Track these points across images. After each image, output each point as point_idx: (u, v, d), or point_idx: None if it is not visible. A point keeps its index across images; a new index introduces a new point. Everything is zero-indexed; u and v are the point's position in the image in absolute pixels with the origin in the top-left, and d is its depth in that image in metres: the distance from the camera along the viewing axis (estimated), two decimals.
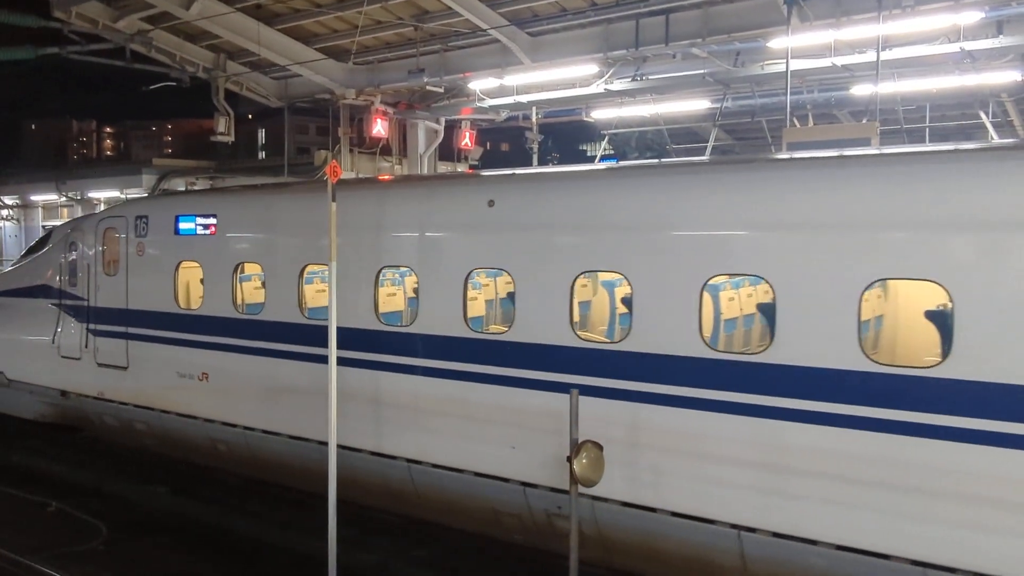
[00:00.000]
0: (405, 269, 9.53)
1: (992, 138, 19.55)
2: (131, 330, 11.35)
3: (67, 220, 19.48)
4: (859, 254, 6.53)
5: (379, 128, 22.57)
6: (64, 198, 28.65)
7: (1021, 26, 15.07)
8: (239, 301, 10.45)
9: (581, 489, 6.82)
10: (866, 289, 6.50)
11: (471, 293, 8.84)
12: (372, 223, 9.29)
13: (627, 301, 7.81)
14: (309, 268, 9.82)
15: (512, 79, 19.69)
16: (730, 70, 17.68)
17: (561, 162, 44.24)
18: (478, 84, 20.58)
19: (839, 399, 6.50)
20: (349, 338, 8.74)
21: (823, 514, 6.58)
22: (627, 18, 17.15)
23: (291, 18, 20.06)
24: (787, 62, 14.64)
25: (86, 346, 11.94)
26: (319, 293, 10.29)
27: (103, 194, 27.51)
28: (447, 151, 25.93)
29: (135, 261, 11.42)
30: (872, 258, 6.50)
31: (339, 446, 7.88)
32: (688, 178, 7.99)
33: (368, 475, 9.17)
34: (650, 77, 18.55)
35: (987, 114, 20.25)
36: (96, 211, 15.61)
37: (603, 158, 30.82)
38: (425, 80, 19.96)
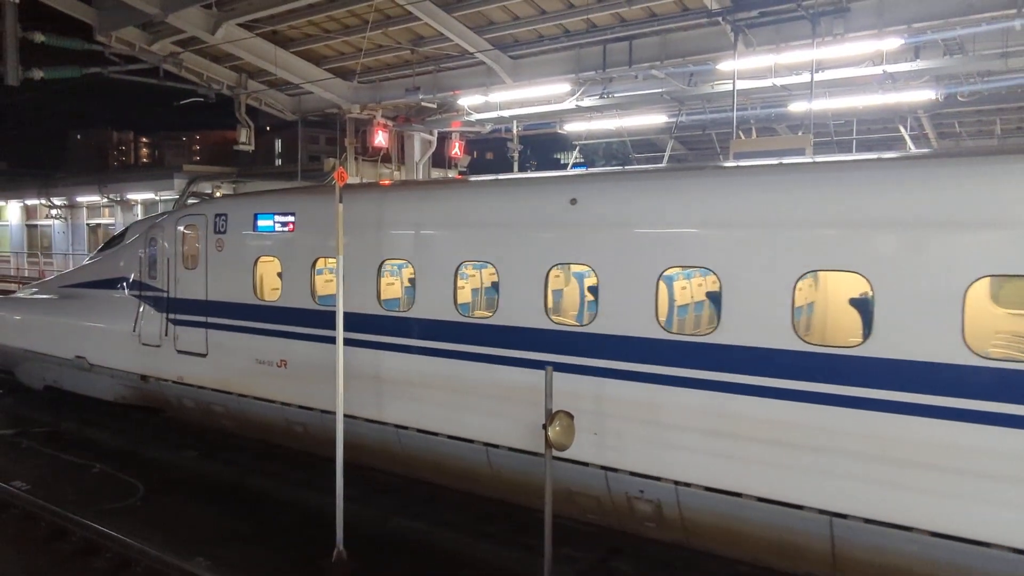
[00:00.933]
0: (483, 263, 8.84)
1: (910, 148, 19.65)
2: (210, 320, 10.83)
3: (143, 218, 18.33)
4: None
5: (380, 139, 22.41)
6: (105, 199, 28.32)
7: (936, 51, 15.11)
8: (317, 293, 9.81)
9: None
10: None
11: (552, 284, 8.13)
12: (453, 221, 8.71)
13: (715, 296, 7.14)
14: (385, 262, 9.29)
15: (496, 96, 19.59)
16: (684, 89, 17.65)
17: (538, 169, 44.12)
18: (466, 100, 20.46)
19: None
20: (431, 329, 8.54)
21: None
22: (596, 43, 17.07)
23: (304, 42, 19.85)
24: (734, 82, 14.64)
25: (166, 334, 11.38)
26: (390, 287, 9.83)
27: (140, 196, 27.24)
28: (440, 159, 25.80)
29: (214, 256, 10.84)
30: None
31: (425, 432, 8.26)
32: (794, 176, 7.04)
33: (477, 467, 8.42)
34: (615, 95, 18.49)
35: (906, 128, 20.32)
36: (161, 211, 14.81)
37: (574, 165, 30.75)
38: (420, 97, 19.82)
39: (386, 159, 23.94)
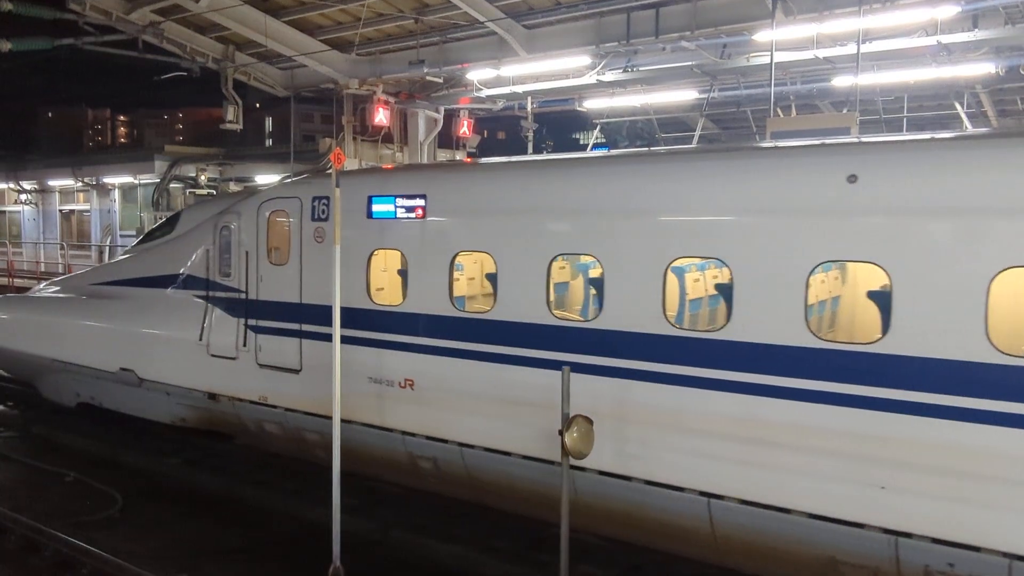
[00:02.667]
0: (707, 261, 7.71)
1: (966, 128, 19.54)
2: (306, 328, 9.62)
3: (200, 201, 17.48)
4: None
5: (381, 117, 22.45)
6: (80, 183, 28.53)
7: (996, 20, 15.00)
8: (457, 296, 8.71)
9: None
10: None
11: (815, 289, 6.85)
12: (663, 207, 7.44)
13: None
14: (563, 259, 8.34)
15: (508, 70, 19.60)
16: (717, 62, 17.61)
17: (555, 151, 44.11)
18: (476, 75, 20.48)
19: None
20: (636, 345, 7.36)
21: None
22: (619, 11, 17.05)
23: (297, 10, 19.92)
24: (771, 54, 14.60)
25: (244, 344, 10.26)
26: (577, 289, 8.96)
27: (117, 179, 27.43)
28: (446, 139, 25.86)
29: (312, 249, 9.60)
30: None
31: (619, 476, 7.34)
32: None
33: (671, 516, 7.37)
34: (640, 68, 18.46)
35: (962, 105, 20.20)
36: (238, 191, 13.74)
37: (595, 146, 30.73)
38: (425, 71, 19.85)
39: (387, 139, 24.02)
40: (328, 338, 8.89)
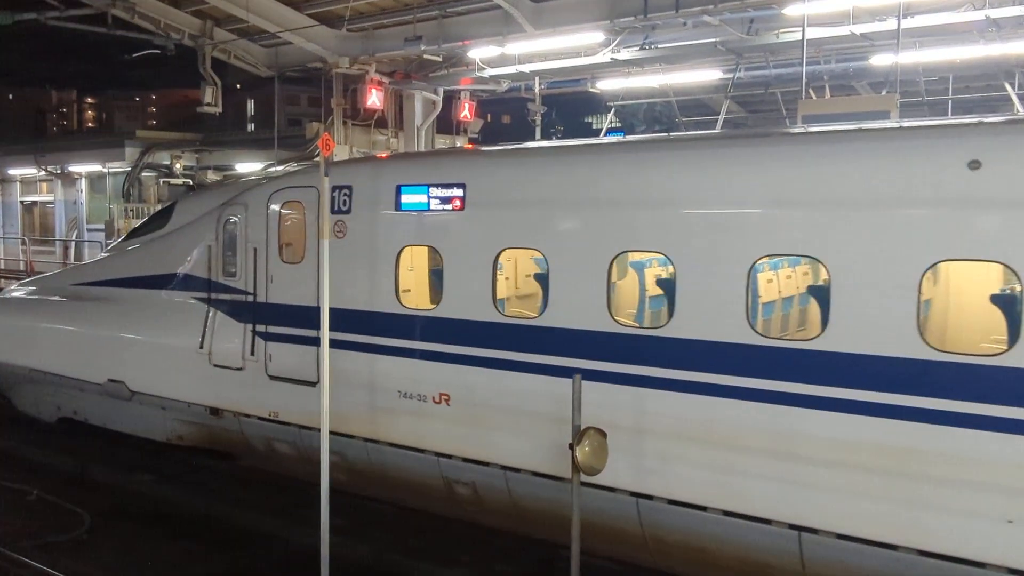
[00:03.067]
0: (797, 259, 7.39)
1: (1018, 110, 19.50)
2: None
3: (197, 191, 16.86)
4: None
5: (374, 99, 22.49)
6: (43, 172, 28.61)
7: None
8: (502, 300, 8.38)
9: None
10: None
11: (929, 293, 6.55)
12: (745, 198, 7.13)
13: None
14: (630, 257, 8.07)
15: (514, 48, 19.61)
16: (743, 39, 17.62)
17: (565, 136, 44.12)
18: (478, 53, 20.50)
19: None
20: (712, 356, 7.06)
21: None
22: None
23: None
24: (803, 30, 14.58)
25: (252, 353, 9.87)
26: (638, 292, 8.55)
27: (84, 167, 27.49)
28: (445, 123, 25.87)
29: (332, 245, 8.93)
30: None
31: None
32: None
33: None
34: (659, 46, 18.49)
35: (1012, 85, 20.16)
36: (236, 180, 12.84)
37: (609, 131, 30.69)
38: (422, 48, 19.87)
39: (381, 123, 24.04)
40: (353, 347, 8.88)
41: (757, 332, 6.92)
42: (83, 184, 28.09)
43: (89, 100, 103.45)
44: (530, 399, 7.88)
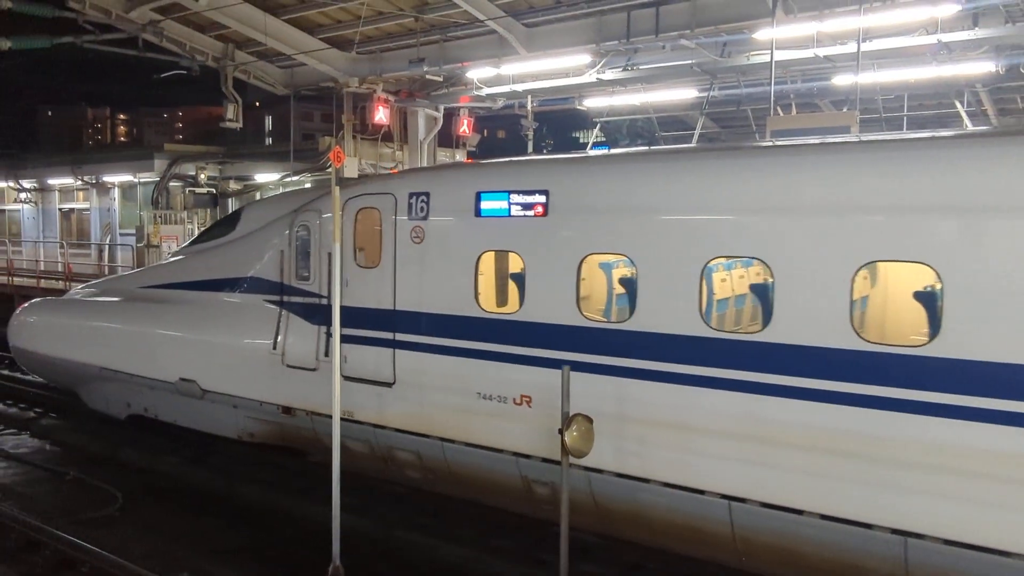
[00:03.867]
0: (908, 265, 6.47)
1: (967, 126, 19.52)
2: (400, 337, 8.85)
3: (265, 198, 15.80)
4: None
5: (381, 115, 22.45)
6: (79, 181, 28.51)
7: (996, 18, 14.98)
8: (588, 304, 7.95)
9: None
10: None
11: None
12: (851, 203, 6.53)
13: None
14: (725, 261, 7.48)
15: (508, 68, 19.59)
16: (717, 60, 17.60)
17: (555, 151, 44.13)
18: (476, 73, 20.46)
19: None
20: (809, 361, 6.53)
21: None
22: (619, 10, 17.03)
23: (296, 9, 19.89)
24: (771, 53, 14.59)
25: (326, 354, 9.40)
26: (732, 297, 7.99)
27: (116, 178, 27.38)
28: (446, 138, 25.82)
29: (409, 250, 8.82)
30: None
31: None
32: None
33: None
34: (640, 67, 18.45)
35: (962, 104, 20.19)
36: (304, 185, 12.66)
37: (595, 145, 30.63)
38: (425, 69, 19.83)
39: (387, 137, 24.00)
40: (429, 349, 8.52)
41: (861, 337, 6.36)
42: (116, 193, 27.98)
43: (122, 116, 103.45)
44: (612, 402, 7.45)
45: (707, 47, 17.15)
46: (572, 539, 6.99)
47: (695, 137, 21.09)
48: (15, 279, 24.17)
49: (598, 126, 26.15)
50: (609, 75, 18.88)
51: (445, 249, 8.63)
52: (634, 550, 8.18)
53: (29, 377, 17.69)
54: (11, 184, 31.39)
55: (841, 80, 18.23)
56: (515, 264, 8.37)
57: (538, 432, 7.75)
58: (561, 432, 6.73)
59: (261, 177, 25.36)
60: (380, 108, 22.38)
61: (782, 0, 14.45)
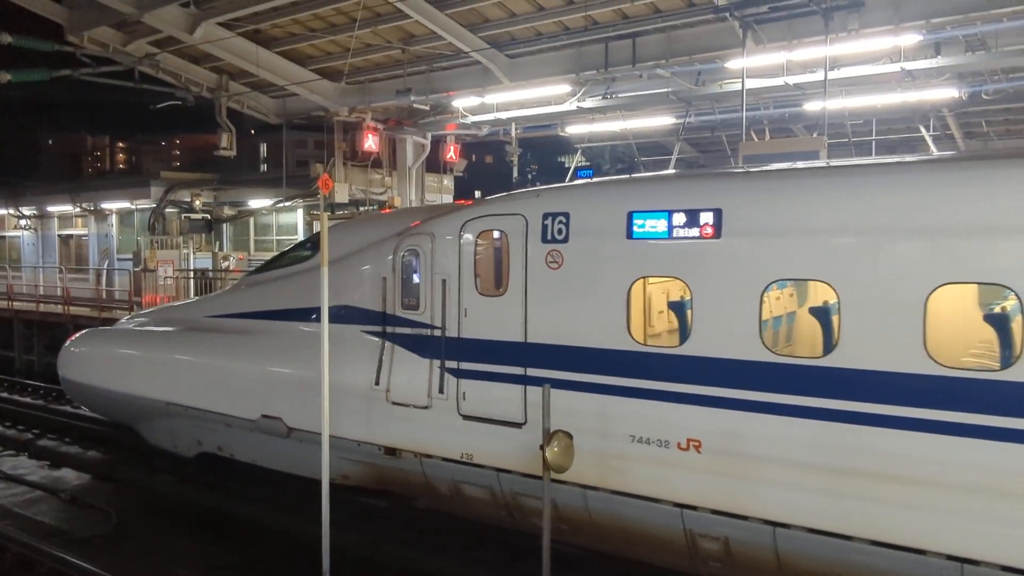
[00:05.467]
0: None
1: (932, 150, 19.78)
2: (533, 372, 7.75)
3: (348, 221, 14.27)
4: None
5: (370, 143, 22.56)
6: (78, 209, 28.45)
7: (957, 48, 15.26)
8: (774, 337, 6.96)
9: None
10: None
11: None
12: None
13: None
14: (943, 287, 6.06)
15: (492, 97, 19.75)
16: (692, 89, 17.81)
17: (539, 175, 44.38)
18: (461, 102, 20.61)
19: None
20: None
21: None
22: (597, 41, 17.23)
23: (287, 41, 20.02)
24: (743, 81, 14.80)
25: (440, 391, 8.35)
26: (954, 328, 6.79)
27: (114, 204, 27.35)
28: (434, 163, 25.96)
29: (543, 276, 7.76)
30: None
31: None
32: None
33: None
34: (619, 95, 18.65)
35: (927, 128, 20.48)
36: (408, 208, 11.26)
37: (578, 170, 30.82)
38: (412, 99, 19.96)
39: (377, 164, 24.10)
40: (567, 385, 7.44)
41: None
42: (113, 219, 27.92)
43: (120, 144, 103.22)
44: (806, 448, 6.39)
45: (682, 76, 17.36)
46: (554, 552, 7.00)
47: (672, 162, 21.30)
48: (15, 304, 24.05)
49: (579, 152, 26.39)
50: (589, 103, 19.07)
51: (590, 275, 7.55)
52: (617, 563, 8.19)
53: (27, 399, 17.61)
54: (11, 211, 31.28)
55: (812, 106, 18.47)
56: (678, 292, 7.38)
57: (709, 480, 6.82)
58: (543, 448, 6.76)
59: (255, 203, 25.37)
60: (369, 136, 22.49)
61: (752, 30, 14.67)
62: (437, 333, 8.47)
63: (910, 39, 14.42)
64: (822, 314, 6.87)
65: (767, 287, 6.69)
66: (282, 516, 10.17)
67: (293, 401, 9.29)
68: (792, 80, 16.31)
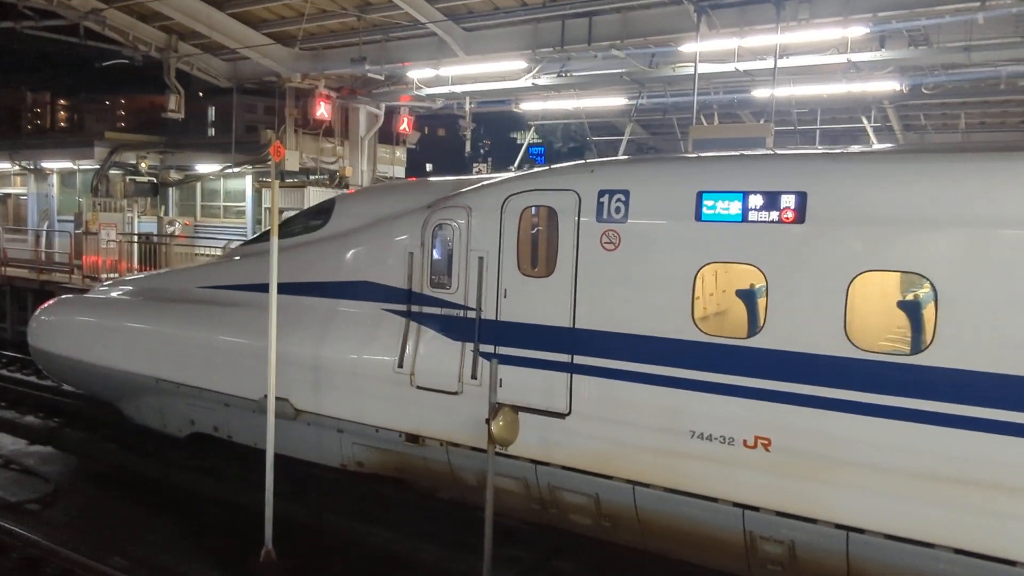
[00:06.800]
0: None
1: (872, 142, 20.23)
2: (580, 360, 7.25)
3: (366, 190, 13.33)
4: None
5: (323, 111, 22.18)
6: (17, 167, 27.41)
7: (900, 41, 15.58)
8: (861, 331, 6.30)
9: None
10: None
11: None
12: None
13: None
14: None
15: (447, 70, 19.55)
16: (645, 71, 17.86)
17: (491, 151, 44.20)
18: (416, 73, 20.35)
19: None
20: None
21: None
22: (554, 18, 17.14)
23: (241, 3, 19.44)
24: (695, 65, 14.90)
25: (473, 376, 7.76)
26: None
27: (56, 164, 26.41)
28: (387, 135, 25.65)
29: (597, 258, 7.18)
30: None
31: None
32: None
33: None
34: (574, 74, 18.61)
35: (869, 119, 20.91)
36: (425, 181, 10.21)
37: (531, 147, 30.80)
38: (366, 68, 19.64)
39: (329, 132, 23.70)
40: (623, 376, 6.97)
41: None
42: (55, 179, 26.99)
43: (63, 102, 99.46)
44: (892, 451, 5.96)
45: (636, 58, 17.39)
46: (496, 523, 7.07)
47: (623, 143, 21.39)
48: None
49: (532, 128, 26.33)
50: (544, 80, 18.99)
51: (651, 258, 6.98)
52: (555, 535, 8.30)
53: None
54: None
55: (761, 93, 18.70)
56: (751, 279, 6.80)
57: (777, 481, 6.37)
58: (488, 422, 6.81)
59: (203, 168, 24.75)
60: (322, 103, 22.10)
61: (706, 15, 14.75)
62: (471, 315, 7.85)
63: (857, 31, 14.67)
64: (907, 307, 6.43)
65: (856, 277, 6.14)
66: (227, 486, 10.06)
67: (303, 382, 8.70)
68: (743, 67, 16.47)
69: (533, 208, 7.62)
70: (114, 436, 11.74)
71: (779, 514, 6.40)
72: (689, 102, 16.11)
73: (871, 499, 5.95)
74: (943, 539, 5.77)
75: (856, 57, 15.71)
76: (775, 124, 14.20)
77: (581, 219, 7.27)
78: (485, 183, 8.25)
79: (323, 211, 9.64)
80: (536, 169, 8.31)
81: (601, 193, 7.20)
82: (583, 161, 8.23)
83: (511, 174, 8.63)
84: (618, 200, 7.12)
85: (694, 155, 7.95)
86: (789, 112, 20.06)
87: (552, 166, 8.37)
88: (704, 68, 15.54)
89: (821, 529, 6.23)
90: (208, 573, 8.05)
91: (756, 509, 6.50)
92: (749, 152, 7.74)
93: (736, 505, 6.58)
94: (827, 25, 14.57)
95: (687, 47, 15.91)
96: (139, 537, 8.72)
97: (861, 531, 6.08)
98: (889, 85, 17.76)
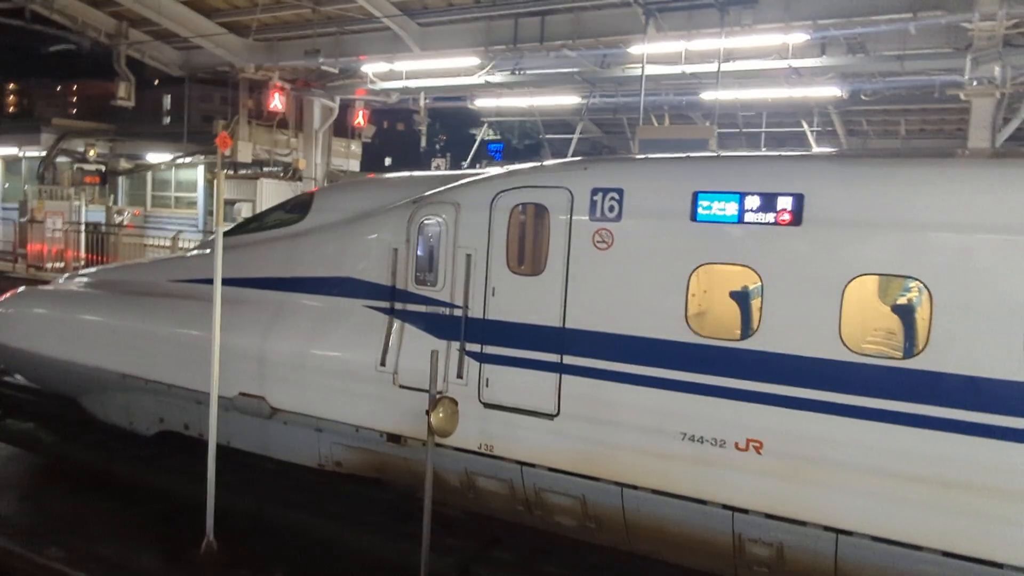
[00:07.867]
0: None
1: (812, 145, 20.71)
2: (570, 360, 7.08)
3: (347, 183, 13.24)
4: None
5: (276, 103, 21.96)
6: None
7: (840, 49, 15.99)
8: (854, 334, 6.21)
9: None
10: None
11: None
12: None
13: None
14: None
15: (402, 65, 19.54)
16: (596, 71, 18.06)
17: (448, 146, 44.12)
18: (370, 67, 20.28)
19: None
20: None
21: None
22: (507, 16, 17.24)
23: None
24: (643, 67, 15.11)
25: (459, 376, 7.52)
26: None
27: (1, 150, 25.71)
28: (342, 127, 25.50)
29: (589, 257, 7.01)
30: None
31: None
32: None
33: None
34: (527, 72, 18.74)
35: (810, 124, 21.40)
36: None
37: (489, 144, 30.84)
38: (321, 61, 19.52)
39: (283, 124, 23.47)
40: (613, 377, 6.83)
41: None
42: None
43: (11, 86, 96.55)
44: (882, 454, 5.91)
45: (588, 57, 17.57)
46: (435, 513, 7.12)
47: (574, 141, 21.57)
48: None
49: (486, 125, 26.38)
50: (498, 77, 19.09)
51: (644, 258, 6.84)
52: (494, 524, 8.39)
53: None
54: None
55: (708, 95, 19.01)
56: (746, 281, 6.74)
57: (769, 483, 6.27)
58: (428, 413, 6.83)
59: (153, 157, 24.32)
60: (276, 95, 21.89)
61: (653, 18, 14.97)
62: (458, 313, 7.59)
63: (798, 37, 15.03)
64: (901, 311, 6.40)
65: (851, 281, 6.05)
66: (168, 477, 9.92)
67: (281, 379, 8.38)
68: (689, 69, 16.73)
69: (523, 205, 7.42)
70: (53, 426, 11.50)
71: (769, 516, 6.32)
72: (639, 102, 16.34)
73: (862, 502, 5.92)
74: (931, 542, 5.75)
75: (797, 63, 16.08)
76: (723, 127, 14.48)
77: (573, 217, 7.10)
78: (474, 179, 8.03)
79: (301, 204, 9.30)
80: (525, 165, 8.08)
81: (594, 191, 7.04)
82: (577, 158, 8.06)
83: (500, 169, 8.32)
84: (612, 199, 6.97)
85: (690, 155, 7.85)
86: (735, 115, 20.44)
87: (543, 163, 8.24)
88: (652, 70, 15.79)
89: (810, 531, 6.19)
90: (149, 564, 7.97)
91: (745, 511, 6.41)
92: (747, 153, 7.84)
93: (725, 507, 6.49)
94: (770, 31, 14.89)
95: (635, 48, 16.14)
96: (77, 529, 8.58)
97: (850, 533, 6.03)
98: (830, 91, 18.20)
